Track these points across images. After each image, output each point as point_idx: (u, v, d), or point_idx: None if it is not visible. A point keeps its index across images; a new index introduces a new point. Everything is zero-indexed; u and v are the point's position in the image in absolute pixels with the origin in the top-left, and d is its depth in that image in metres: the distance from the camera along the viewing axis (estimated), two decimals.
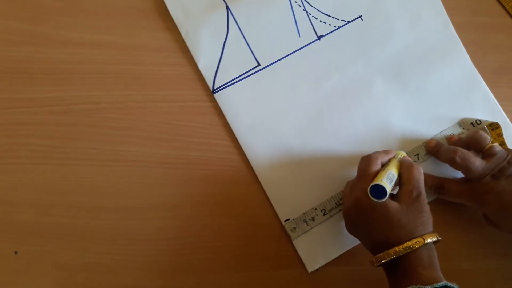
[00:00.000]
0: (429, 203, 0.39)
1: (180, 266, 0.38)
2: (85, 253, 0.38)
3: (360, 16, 0.42)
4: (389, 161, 0.36)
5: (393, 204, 0.32)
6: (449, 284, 0.29)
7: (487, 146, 0.36)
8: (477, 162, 0.35)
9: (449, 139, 0.40)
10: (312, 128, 0.40)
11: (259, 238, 0.39)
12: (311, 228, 0.39)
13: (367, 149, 0.40)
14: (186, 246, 0.38)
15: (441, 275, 0.31)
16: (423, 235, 0.32)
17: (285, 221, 0.39)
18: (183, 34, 0.41)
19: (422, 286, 0.29)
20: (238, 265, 0.38)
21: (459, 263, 0.39)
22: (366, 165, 0.34)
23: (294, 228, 0.38)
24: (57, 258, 0.38)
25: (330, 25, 0.42)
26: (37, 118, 0.40)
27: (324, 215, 0.39)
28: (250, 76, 0.41)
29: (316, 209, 0.39)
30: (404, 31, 0.42)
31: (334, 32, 0.42)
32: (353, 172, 0.40)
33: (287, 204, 0.39)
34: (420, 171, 0.34)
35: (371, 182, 0.32)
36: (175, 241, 0.38)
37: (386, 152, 0.36)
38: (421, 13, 0.43)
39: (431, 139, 0.40)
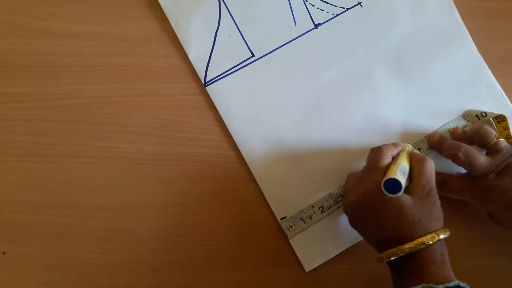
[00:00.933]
0: None
1: (174, 265, 0.37)
2: (76, 253, 0.37)
3: (359, 3, 0.40)
4: (398, 154, 0.35)
5: (407, 198, 0.31)
6: (461, 284, 0.28)
7: (492, 142, 0.35)
8: (481, 159, 0.34)
9: (453, 133, 0.38)
10: (309, 122, 0.39)
11: (254, 236, 0.38)
12: (309, 226, 0.38)
13: (367, 143, 0.39)
14: (179, 245, 0.38)
15: (453, 274, 0.30)
16: (436, 230, 0.31)
17: (281, 219, 0.38)
18: (172, 24, 0.39)
19: (434, 285, 0.28)
20: (233, 264, 0.38)
21: (462, 261, 0.38)
22: (377, 157, 0.33)
23: (291, 226, 0.37)
24: (47, 258, 0.37)
25: (328, 12, 0.40)
26: (22, 113, 0.38)
27: (322, 212, 0.38)
28: (243, 68, 0.39)
29: (313, 206, 0.38)
30: (407, 19, 0.40)
31: (332, 20, 0.40)
32: (352, 167, 0.39)
33: (283, 201, 0.38)
34: (432, 166, 0.33)
35: (383, 175, 0.31)
36: (167, 239, 0.38)
37: (395, 144, 0.35)
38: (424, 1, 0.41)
39: (434, 133, 0.39)
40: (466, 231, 0.39)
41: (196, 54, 0.39)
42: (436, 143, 0.38)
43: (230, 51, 0.39)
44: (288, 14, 0.40)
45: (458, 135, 0.38)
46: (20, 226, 0.37)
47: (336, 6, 0.40)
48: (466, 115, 0.39)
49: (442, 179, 0.37)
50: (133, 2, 0.40)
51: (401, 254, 0.30)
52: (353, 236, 0.37)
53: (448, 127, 0.39)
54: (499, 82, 0.40)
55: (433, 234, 0.30)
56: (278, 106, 0.39)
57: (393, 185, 0.30)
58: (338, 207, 0.38)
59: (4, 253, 0.37)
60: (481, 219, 0.38)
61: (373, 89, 0.40)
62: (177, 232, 0.38)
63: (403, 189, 0.30)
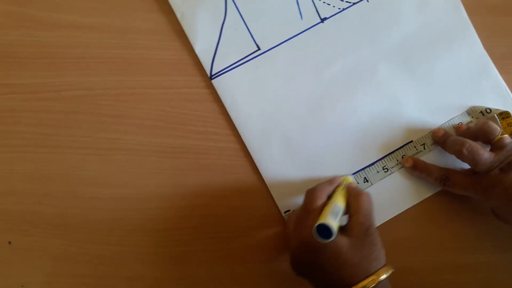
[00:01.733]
0: (435, 194, 0.39)
1: (178, 257, 0.38)
2: (80, 244, 0.38)
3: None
4: (335, 190, 0.34)
5: (344, 242, 0.30)
6: None
7: (497, 138, 0.35)
8: (485, 155, 0.34)
9: (457, 129, 0.39)
10: (313, 116, 0.39)
11: (258, 229, 0.39)
12: None
13: (370, 138, 0.39)
14: (184, 237, 0.38)
15: None
16: (377, 270, 0.30)
17: (285, 212, 0.38)
18: (178, 17, 0.39)
19: None
20: (237, 257, 0.38)
21: (464, 256, 0.39)
22: (311, 200, 0.33)
23: None
24: (51, 248, 0.38)
25: (334, 6, 0.40)
26: (28, 105, 0.39)
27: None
28: (249, 61, 0.40)
29: None
30: (412, 14, 0.41)
31: (338, 14, 0.40)
32: (354, 163, 0.39)
33: (287, 194, 0.38)
34: (369, 200, 0.33)
35: (317, 218, 0.30)
36: (172, 232, 0.38)
37: (330, 182, 0.35)
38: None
39: (439, 128, 0.39)
40: (468, 226, 0.39)
41: (202, 47, 0.39)
42: (440, 139, 0.38)
43: (236, 45, 0.40)
44: (295, 8, 0.40)
45: (462, 131, 0.38)
46: (25, 216, 0.38)
47: (342, 1, 0.40)
48: (470, 111, 0.40)
49: (446, 175, 0.37)
50: None
51: None
52: None
53: (453, 123, 0.40)
54: (504, 79, 0.41)
55: (374, 277, 0.30)
56: (283, 100, 0.39)
57: (325, 229, 0.29)
58: None
59: (9, 242, 0.38)
60: (483, 215, 0.39)
61: (377, 84, 0.40)
62: (181, 225, 0.38)
63: (334, 234, 0.29)
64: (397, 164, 0.39)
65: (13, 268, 0.38)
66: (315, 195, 0.33)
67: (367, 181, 0.39)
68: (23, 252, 0.38)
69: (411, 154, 0.39)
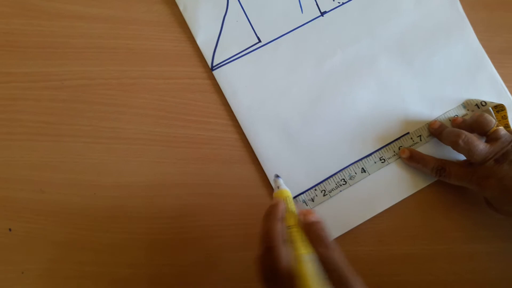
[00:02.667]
0: (431, 185, 0.40)
1: (179, 245, 0.39)
2: (81, 231, 0.38)
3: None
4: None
5: None
6: None
7: (492, 130, 0.37)
8: (481, 146, 0.35)
9: (453, 121, 0.40)
10: (313, 107, 0.41)
11: (257, 217, 0.39)
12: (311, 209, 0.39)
13: (368, 129, 0.40)
14: (185, 224, 0.39)
15: None
16: None
17: None
18: (181, 8, 0.41)
19: None
20: (238, 244, 0.39)
21: (459, 246, 0.40)
22: (271, 261, 0.28)
23: None
24: (52, 236, 0.38)
25: (334, 0, 0.41)
26: (30, 93, 0.40)
27: (324, 195, 0.39)
28: (250, 53, 0.41)
29: (316, 189, 0.39)
30: (410, 8, 0.42)
31: (338, 8, 0.41)
32: (353, 153, 0.40)
33: (286, 184, 0.39)
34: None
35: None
36: (173, 219, 0.39)
37: (273, 215, 0.31)
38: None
39: (435, 121, 0.41)
40: (464, 216, 0.40)
41: (204, 39, 0.40)
42: (436, 131, 0.40)
43: (237, 37, 0.41)
44: (295, 1, 0.41)
45: (458, 124, 0.40)
46: (27, 203, 0.39)
47: None
48: (466, 104, 0.41)
49: (442, 165, 0.38)
50: None
51: None
52: (354, 219, 0.39)
53: (448, 115, 0.41)
54: (499, 73, 0.42)
55: None
56: (283, 92, 0.41)
57: None
58: (340, 191, 0.39)
59: (10, 229, 0.38)
60: (478, 205, 0.40)
61: (376, 76, 0.41)
62: (182, 213, 0.39)
63: None
64: (394, 155, 0.40)
65: (13, 255, 0.38)
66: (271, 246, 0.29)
67: (365, 171, 0.40)
68: (24, 239, 0.38)
69: (408, 146, 0.40)
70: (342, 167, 0.40)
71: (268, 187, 0.40)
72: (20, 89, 0.40)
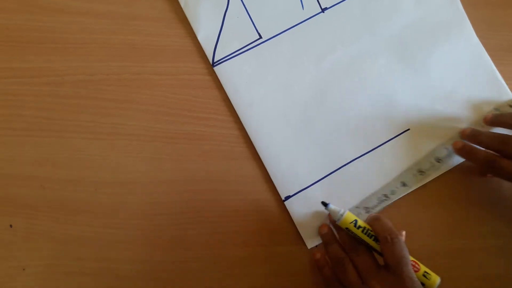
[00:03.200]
0: (431, 182, 0.40)
1: (180, 241, 0.39)
2: (82, 227, 0.39)
3: None
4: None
5: None
6: None
7: None
8: None
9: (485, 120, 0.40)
10: (314, 104, 0.41)
11: (258, 213, 0.40)
12: (311, 205, 0.39)
13: (370, 125, 0.41)
14: (185, 221, 0.39)
15: None
16: None
17: (285, 197, 0.39)
18: (182, 4, 0.41)
19: None
20: (238, 241, 0.39)
21: (455, 241, 0.40)
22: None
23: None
24: (53, 232, 0.39)
25: None
26: (32, 89, 0.40)
27: (366, 213, 0.40)
28: (251, 49, 0.41)
29: (358, 207, 0.40)
30: (410, 6, 0.43)
31: (339, 4, 0.42)
32: (355, 149, 0.40)
33: (287, 180, 0.40)
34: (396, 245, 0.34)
35: None
36: (174, 216, 0.39)
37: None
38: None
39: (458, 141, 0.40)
40: (458, 212, 0.41)
41: (205, 35, 0.41)
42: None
43: (238, 33, 0.41)
44: None
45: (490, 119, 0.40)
46: (27, 199, 0.39)
47: None
48: (498, 107, 0.41)
49: (493, 158, 0.37)
50: None
51: None
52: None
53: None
54: (500, 70, 0.43)
55: None
56: (285, 88, 0.41)
57: None
58: (383, 207, 0.40)
59: (11, 225, 0.38)
60: (474, 201, 0.40)
61: (376, 73, 0.42)
62: (183, 209, 0.39)
63: None
64: (432, 166, 0.40)
65: (14, 251, 0.38)
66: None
67: (405, 185, 0.40)
68: (25, 235, 0.38)
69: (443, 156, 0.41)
70: (345, 163, 0.40)
71: (270, 182, 0.40)
72: (21, 84, 0.40)
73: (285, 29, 0.41)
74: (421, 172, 0.40)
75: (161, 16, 0.41)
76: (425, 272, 0.35)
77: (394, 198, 0.40)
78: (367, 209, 0.40)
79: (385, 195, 0.40)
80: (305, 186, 0.40)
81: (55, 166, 0.39)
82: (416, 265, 0.35)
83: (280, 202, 0.40)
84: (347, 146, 0.41)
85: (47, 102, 0.40)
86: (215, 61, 0.41)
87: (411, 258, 0.35)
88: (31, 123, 0.39)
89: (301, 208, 0.39)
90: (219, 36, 0.41)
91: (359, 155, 0.41)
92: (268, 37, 0.41)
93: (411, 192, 0.40)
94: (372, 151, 0.41)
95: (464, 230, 0.41)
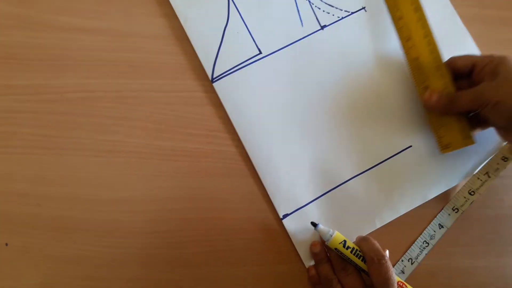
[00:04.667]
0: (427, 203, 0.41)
1: (178, 259, 0.40)
2: (79, 245, 0.39)
3: (363, 8, 0.44)
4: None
5: None
6: None
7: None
8: None
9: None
10: (313, 120, 0.42)
11: (256, 232, 0.41)
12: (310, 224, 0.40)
13: (370, 144, 0.41)
14: (183, 239, 0.40)
15: None
16: None
17: (283, 216, 0.40)
18: (182, 21, 0.42)
19: None
20: (236, 259, 0.40)
21: (460, 261, 0.41)
22: None
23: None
24: (49, 250, 0.39)
25: (333, 15, 0.43)
26: (29, 106, 0.41)
27: (412, 264, 0.41)
28: (251, 65, 0.42)
29: (402, 260, 0.41)
30: None
31: (337, 22, 0.43)
32: (355, 165, 0.41)
33: (285, 198, 0.40)
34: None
35: None
36: (172, 234, 0.40)
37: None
38: (425, 6, 0.44)
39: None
40: (463, 232, 0.42)
41: (204, 50, 0.42)
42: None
43: (238, 48, 0.42)
44: (295, 15, 0.43)
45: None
46: (24, 217, 0.39)
47: (341, 10, 0.43)
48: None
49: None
50: None
51: None
52: (352, 234, 0.40)
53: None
54: None
55: None
56: (284, 104, 0.42)
57: None
58: (425, 254, 0.41)
59: (6, 244, 0.39)
60: (478, 221, 0.41)
61: (376, 90, 0.43)
62: (181, 227, 0.40)
63: None
64: (466, 201, 0.41)
65: (10, 269, 0.39)
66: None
67: (442, 226, 0.41)
68: (21, 253, 0.39)
69: (476, 187, 0.41)
70: (343, 181, 0.41)
71: (268, 201, 0.41)
72: (19, 101, 0.40)
73: (285, 45, 0.42)
74: (455, 209, 0.42)
75: (160, 33, 0.42)
76: None
77: (434, 242, 0.41)
78: (411, 261, 0.41)
79: (426, 242, 0.41)
80: (303, 204, 0.40)
81: (52, 184, 0.40)
82: (404, 286, 0.36)
83: (278, 220, 0.40)
84: (346, 163, 0.41)
85: (45, 119, 0.40)
86: (214, 77, 0.42)
87: (398, 279, 0.36)
88: (29, 141, 0.40)
89: (299, 226, 0.40)
90: (219, 51, 0.42)
91: (358, 173, 0.41)
92: (268, 53, 0.42)
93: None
94: (371, 169, 0.41)
95: (464, 249, 0.41)
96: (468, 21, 0.44)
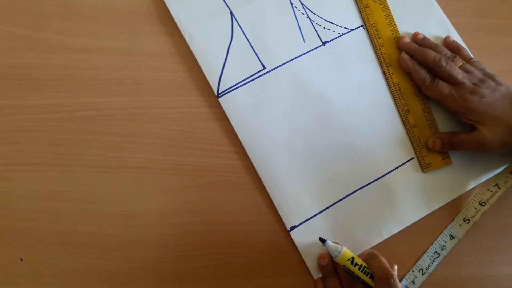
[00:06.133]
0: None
1: (186, 273, 0.41)
2: (91, 260, 0.41)
3: (362, 25, 0.46)
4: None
5: None
6: None
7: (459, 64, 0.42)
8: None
9: (415, 35, 0.46)
10: (318, 134, 0.43)
11: (264, 244, 0.42)
12: (317, 235, 0.41)
13: (375, 155, 0.43)
14: (191, 253, 0.41)
15: None
16: None
17: (290, 228, 0.41)
18: (186, 38, 0.44)
19: None
20: (244, 272, 0.41)
21: (467, 271, 0.42)
22: None
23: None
24: (63, 265, 0.41)
25: (334, 31, 0.45)
26: (41, 125, 0.43)
27: (423, 274, 0.42)
28: (255, 80, 0.44)
29: (413, 271, 0.42)
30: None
31: (338, 38, 0.45)
32: (360, 178, 0.42)
33: (292, 210, 0.42)
34: (378, 258, 0.38)
35: None
36: (180, 248, 0.41)
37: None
38: (423, 23, 0.46)
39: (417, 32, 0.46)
40: (472, 241, 0.43)
41: (209, 67, 0.44)
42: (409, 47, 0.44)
43: (242, 64, 0.44)
44: (297, 32, 0.45)
45: (420, 40, 0.45)
46: (37, 233, 0.42)
47: (341, 27, 0.45)
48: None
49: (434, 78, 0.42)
50: (147, 18, 0.45)
51: None
52: (359, 245, 0.41)
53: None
54: None
55: None
56: (289, 117, 0.44)
57: None
58: (436, 264, 0.42)
59: (21, 259, 0.41)
60: (488, 231, 0.42)
61: (378, 103, 0.44)
62: (189, 240, 0.42)
63: None
64: (477, 212, 0.43)
65: (25, 285, 0.41)
66: None
67: (453, 237, 0.42)
68: (35, 268, 0.41)
69: (486, 198, 0.43)
70: (350, 192, 0.42)
71: (275, 213, 0.42)
72: (31, 121, 0.43)
73: (288, 60, 0.44)
74: (467, 220, 0.43)
75: (165, 51, 0.44)
76: None
77: (445, 253, 0.42)
78: (422, 271, 0.42)
79: (436, 253, 0.42)
80: (310, 216, 0.42)
81: (63, 200, 0.42)
82: None
83: (286, 232, 0.42)
84: (352, 175, 0.43)
85: (56, 137, 0.43)
86: (219, 92, 0.44)
87: None
88: (41, 158, 0.42)
89: (307, 238, 0.41)
90: (224, 67, 0.44)
91: (364, 185, 0.43)
92: (272, 68, 0.44)
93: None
94: (377, 181, 0.43)
95: (487, 257, 0.42)
96: (471, 32, 0.46)
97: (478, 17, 0.47)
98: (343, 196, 0.42)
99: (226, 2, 0.45)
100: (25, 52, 0.44)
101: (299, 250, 0.41)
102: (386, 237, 0.42)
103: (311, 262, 0.41)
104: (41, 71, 0.44)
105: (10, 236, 0.41)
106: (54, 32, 0.44)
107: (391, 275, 0.37)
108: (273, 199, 0.42)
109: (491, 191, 0.42)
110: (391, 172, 0.43)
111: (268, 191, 0.42)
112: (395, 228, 0.42)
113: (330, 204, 0.42)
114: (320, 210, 0.42)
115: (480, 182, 0.44)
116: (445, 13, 0.47)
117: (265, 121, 0.43)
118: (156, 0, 0.46)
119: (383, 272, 0.37)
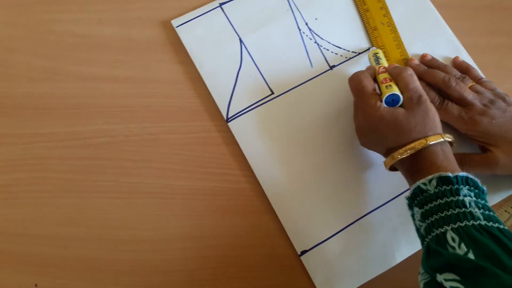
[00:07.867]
0: None
1: None
2: (105, 285, 0.43)
3: (369, 48, 0.47)
4: (378, 73, 0.42)
5: (400, 111, 0.39)
6: (470, 176, 0.35)
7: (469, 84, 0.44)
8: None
9: (423, 57, 0.48)
10: (328, 156, 0.45)
11: (275, 268, 0.43)
12: (328, 259, 0.42)
13: (387, 176, 0.44)
14: (203, 277, 0.43)
15: (459, 168, 0.37)
16: (428, 136, 0.37)
17: (301, 252, 0.42)
18: (197, 65, 0.46)
19: (443, 173, 0.34)
20: None
21: None
22: (360, 83, 0.41)
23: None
24: None
25: (341, 56, 0.47)
26: (56, 152, 0.45)
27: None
28: (264, 104, 0.46)
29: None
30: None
31: (345, 62, 0.47)
32: (371, 201, 0.43)
33: (303, 234, 0.43)
34: (410, 73, 0.40)
35: (375, 96, 0.40)
36: (193, 272, 0.43)
37: (368, 69, 0.43)
38: (432, 43, 0.48)
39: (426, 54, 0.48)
40: None
41: (219, 92, 0.46)
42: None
43: (251, 89, 0.46)
44: (305, 57, 0.47)
45: (429, 60, 0.47)
46: (52, 259, 0.43)
47: (349, 51, 0.47)
48: None
49: (443, 99, 0.43)
50: (159, 47, 0.48)
51: (393, 161, 0.38)
52: (373, 269, 0.42)
53: None
54: None
55: (422, 140, 0.37)
56: (298, 140, 0.46)
57: (393, 99, 0.39)
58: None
59: (36, 285, 0.43)
60: None
61: None
62: (201, 265, 0.43)
63: (401, 98, 0.39)
64: None
65: None
66: (362, 78, 0.41)
67: None
68: None
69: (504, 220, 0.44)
70: (362, 215, 0.44)
71: (284, 237, 0.43)
72: (47, 148, 0.45)
73: (296, 85, 0.46)
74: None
75: (177, 79, 0.47)
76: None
77: None
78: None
79: None
80: (322, 240, 0.43)
81: (78, 226, 0.44)
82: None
83: (297, 256, 0.43)
84: (363, 197, 0.44)
85: (71, 164, 0.45)
86: (229, 116, 0.46)
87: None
88: (56, 185, 0.45)
89: (318, 263, 0.42)
90: (233, 93, 0.46)
91: (377, 206, 0.44)
92: (280, 93, 0.46)
93: None
94: (389, 202, 0.44)
95: None
96: (481, 50, 0.47)
97: (487, 36, 0.49)
98: (356, 219, 0.44)
99: (236, 29, 0.48)
100: (42, 83, 0.47)
101: (310, 274, 0.42)
102: (399, 260, 0.43)
103: (322, 286, 0.42)
104: (57, 100, 0.47)
105: (25, 261, 0.43)
106: (70, 62, 0.48)
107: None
108: (283, 223, 0.44)
109: (509, 213, 0.43)
110: (403, 193, 0.44)
111: (278, 215, 0.44)
112: (407, 251, 0.43)
113: (343, 227, 0.43)
114: (331, 234, 0.43)
115: (494, 203, 0.44)
116: (454, 33, 0.48)
117: (274, 145, 0.45)
118: (168, 29, 0.49)
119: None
